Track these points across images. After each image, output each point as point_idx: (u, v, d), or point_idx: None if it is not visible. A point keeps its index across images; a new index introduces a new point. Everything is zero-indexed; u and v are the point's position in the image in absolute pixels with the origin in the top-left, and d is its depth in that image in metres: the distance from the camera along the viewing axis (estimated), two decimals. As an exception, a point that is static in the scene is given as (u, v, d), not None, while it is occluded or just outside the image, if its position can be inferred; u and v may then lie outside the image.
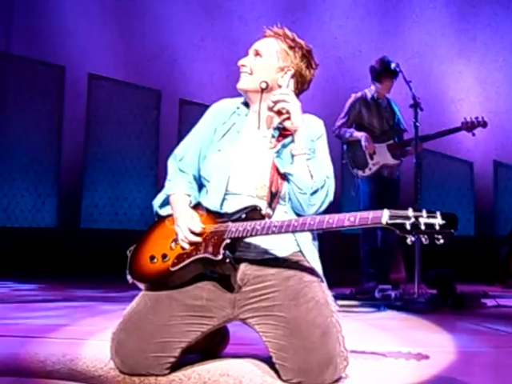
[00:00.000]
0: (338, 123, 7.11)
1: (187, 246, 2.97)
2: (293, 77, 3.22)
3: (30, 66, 11.08)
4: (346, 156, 7.18)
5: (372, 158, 7.02)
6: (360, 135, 6.97)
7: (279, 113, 3.09)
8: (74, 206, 10.93)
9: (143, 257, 3.08)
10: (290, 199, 3.08)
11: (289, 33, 3.30)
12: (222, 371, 2.98)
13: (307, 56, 3.27)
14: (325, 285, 3.06)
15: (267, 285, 2.96)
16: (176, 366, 2.95)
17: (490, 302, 6.18)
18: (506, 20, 11.05)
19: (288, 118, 3.05)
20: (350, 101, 7.23)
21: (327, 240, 8.08)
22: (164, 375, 2.88)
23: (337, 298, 3.06)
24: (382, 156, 7.02)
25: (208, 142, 3.28)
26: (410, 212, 2.60)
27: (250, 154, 3.18)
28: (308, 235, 3.14)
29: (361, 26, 11.09)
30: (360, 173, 7.07)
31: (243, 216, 2.97)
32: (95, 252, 9.65)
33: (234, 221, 2.96)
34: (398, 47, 10.55)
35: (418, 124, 6.40)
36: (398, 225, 2.61)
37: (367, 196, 7.13)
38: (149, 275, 3.03)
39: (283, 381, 2.78)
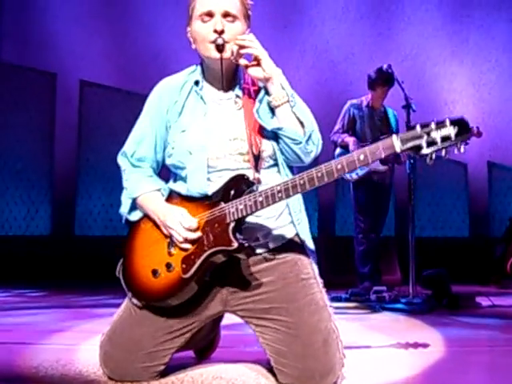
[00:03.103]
0: (334, 129, 7.23)
1: (189, 246, 2.73)
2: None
3: (21, 73, 11.04)
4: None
5: None
6: (348, 140, 7.03)
7: (239, 59, 2.82)
8: (68, 213, 10.89)
9: (142, 275, 2.83)
10: (282, 153, 2.86)
11: None
12: (215, 374, 2.97)
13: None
14: (321, 280, 2.93)
15: (262, 282, 2.82)
16: (169, 370, 2.92)
17: (485, 302, 6.19)
18: (498, 21, 11.06)
19: (257, 65, 2.79)
20: (345, 107, 7.33)
21: (322, 243, 8.11)
22: (156, 380, 2.85)
23: (332, 300, 2.99)
24: None
25: (162, 128, 3.00)
26: (419, 130, 2.46)
27: (220, 123, 2.92)
28: (305, 224, 2.99)
29: (353, 29, 11.10)
30: (348, 176, 7.12)
31: (233, 192, 2.72)
32: (90, 259, 9.61)
33: (226, 201, 2.72)
34: (390, 50, 10.57)
35: (410, 125, 6.41)
36: (414, 148, 2.48)
37: (358, 200, 7.18)
38: (160, 292, 2.78)
39: (280, 384, 2.72)
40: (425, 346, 3.96)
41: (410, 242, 6.19)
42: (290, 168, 2.94)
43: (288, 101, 2.81)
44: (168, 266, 2.76)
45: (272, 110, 2.86)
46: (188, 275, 2.70)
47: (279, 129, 2.79)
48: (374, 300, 6.47)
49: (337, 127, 7.22)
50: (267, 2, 10.86)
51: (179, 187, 2.94)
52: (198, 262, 2.69)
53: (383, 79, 7.00)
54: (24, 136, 10.90)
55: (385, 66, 6.79)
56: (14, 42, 11.18)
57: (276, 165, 2.91)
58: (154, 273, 2.78)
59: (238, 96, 2.96)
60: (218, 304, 2.86)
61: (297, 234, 2.95)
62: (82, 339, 4.12)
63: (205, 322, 2.91)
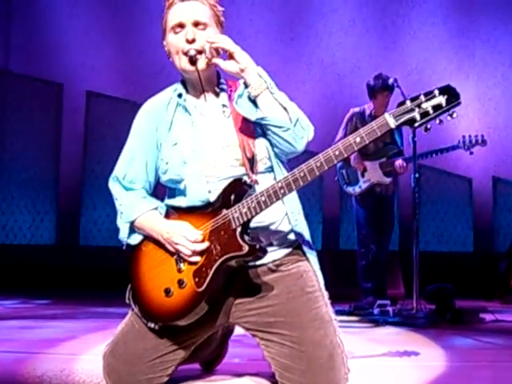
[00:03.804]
0: (336, 138, 7.00)
1: (198, 258, 2.68)
2: None
3: (28, 83, 11.05)
4: (338, 173, 7.16)
5: (363, 176, 7.01)
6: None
7: (213, 57, 2.83)
8: (73, 224, 10.89)
9: (155, 296, 2.77)
10: (275, 147, 2.82)
11: None
12: (219, 387, 2.96)
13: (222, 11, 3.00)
14: (326, 292, 2.87)
15: (266, 295, 2.77)
16: (173, 382, 2.89)
17: (488, 317, 6.17)
18: (504, 36, 11.05)
19: (231, 59, 2.79)
20: (347, 116, 7.20)
21: (326, 256, 8.10)
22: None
23: (336, 313, 2.94)
24: (374, 174, 7.00)
25: (153, 147, 2.97)
26: (409, 103, 2.58)
27: (209, 132, 2.88)
28: (305, 227, 2.94)
29: (359, 42, 11.09)
30: (350, 190, 7.07)
31: (233, 197, 2.69)
32: (94, 269, 9.62)
33: (227, 207, 2.69)
34: (396, 63, 10.55)
35: (415, 139, 6.35)
36: (407, 121, 2.60)
37: (360, 215, 7.12)
38: (176, 311, 2.70)
39: (285, 398, 2.68)
40: (427, 360, 3.96)
41: (414, 256, 6.18)
42: (286, 169, 2.89)
43: (267, 88, 2.79)
44: (180, 282, 2.69)
45: (255, 103, 2.83)
46: (202, 288, 2.64)
47: (263, 119, 2.76)
48: (378, 314, 6.45)
49: (339, 136, 7.02)
50: (274, 15, 10.90)
51: (178, 201, 2.91)
52: (211, 273, 2.63)
53: (382, 85, 6.93)
54: (30, 146, 10.90)
55: (391, 80, 6.76)
56: (21, 52, 11.20)
57: (271, 167, 2.87)
58: (167, 292, 2.72)
59: (224, 105, 2.94)
60: (223, 315, 2.81)
61: (299, 240, 2.91)
62: (85, 349, 4.12)
63: (209, 333, 2.88)
